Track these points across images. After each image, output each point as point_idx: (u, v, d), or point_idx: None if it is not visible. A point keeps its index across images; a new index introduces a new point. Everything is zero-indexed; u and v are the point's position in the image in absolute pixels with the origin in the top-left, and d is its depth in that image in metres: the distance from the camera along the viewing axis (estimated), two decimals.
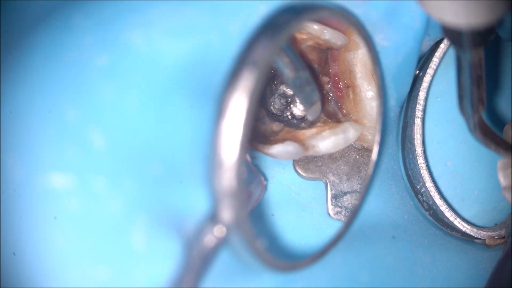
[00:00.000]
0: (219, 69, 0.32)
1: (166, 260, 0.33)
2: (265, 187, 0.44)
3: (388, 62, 0.42)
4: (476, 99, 0.38)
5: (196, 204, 0.33)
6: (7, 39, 0.37)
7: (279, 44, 0.31)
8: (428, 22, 0.41)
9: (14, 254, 0.34)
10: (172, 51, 0.33)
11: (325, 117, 0.44)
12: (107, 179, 0.32)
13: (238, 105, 0.30)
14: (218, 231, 0.31)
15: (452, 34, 0.34)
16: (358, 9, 0.38)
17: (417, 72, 0.49)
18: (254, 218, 0.43)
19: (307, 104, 0.41)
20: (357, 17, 0.38)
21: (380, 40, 0.40)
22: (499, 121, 0.52)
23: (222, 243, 0.32)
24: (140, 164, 0.32)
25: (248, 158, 0.42)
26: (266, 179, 0.44)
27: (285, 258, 0.36)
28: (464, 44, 0.34)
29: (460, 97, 0.39)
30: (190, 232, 0.32)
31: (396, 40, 0.41)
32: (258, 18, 0.33)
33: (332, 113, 0.44)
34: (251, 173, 0.42)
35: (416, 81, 0.50)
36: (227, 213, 0.31)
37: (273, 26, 0.31)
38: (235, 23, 0.33)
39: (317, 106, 0.42)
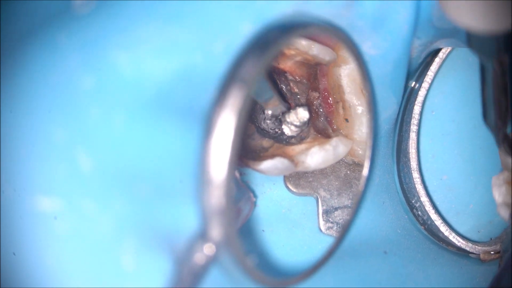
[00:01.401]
0: (204, 88, 0.32)
1: (156, 279, 0.33)
2: (254, 204, 0.44)
3: (378, 70, 0.42)
4: (504, 109, 0.37)
5: (186, 222, 0.33)
6: None
7: (268, 62, 0.31)
8: (416, 25, 0.41)
9: (14, 254, 0.34)
10: (157, 70, 0.33)
11: (315, 133, 0.44)
12: (96, 200, 0.32)
13: (227, 123, 0.30)
14: (208, 249, 0.32)
15: (478, 41, 0.34)
16: (343, 20, 0.38)
17: (413, 83, 0.50)
18: (245, 234, 0.43)
19: (261, 99, 0.41)
20: (346, 32, 0.39)
21: (367, 48, 0.41)
22: None
23: (212, 261, 0.32)
24: (129, 184, 0.33)
25: (237, 174, 0.43)
26: (255, 195, 0.45)
27: (275, 275, 0.36)
28: (491, 50, 0.34)
29: (485, 109, 0.39)
30: (180, 250, 0.32)
31: (384, 48, 0.41)
32: (243, 37, 0.33)
33: (322, 129, 0.44)
34: (240, 189, 0.42)
35: (411, 95, 0.50)
36: (216, 231, 0.31)
37: (261, 44, 0.31)
38: (219, 43, 0.33)
39: (274, 101, 0.42)
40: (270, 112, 0.43)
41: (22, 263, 0.34)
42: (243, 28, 0.34)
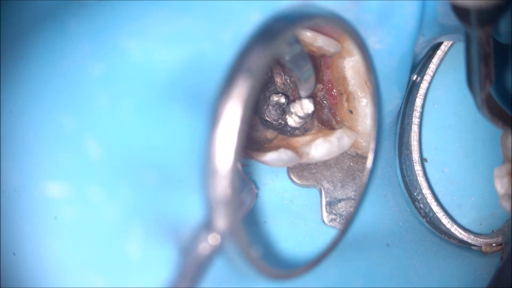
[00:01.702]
0: (212, 76, 0.32)
1: (161, 268, 0.33)
2: (256, 195, 0.44)
3: (382, 65, 0.42)
4: (483, 76, 0.39)
5: (191, 211, 0.33)
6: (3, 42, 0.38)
7: (274, 52, 0.31)
8: (422, 22, 0.42)
9: (14, 254, 0.34)
10: (166, 58, 0.33)
11: (319, 125, 0.44)
12: (103, 187, 0.32)
13: (232, 113, 0.30)
14: (213, 239, 0.32)
15: (461, 13, 0.35)
16: (350, 13, 0.39)
17: (415, 77, 0.50)
18: (247, 226, 0.43)
19: (301, 78, 0.41)
20: (352, 24, 0.39)
21: (373, 43, 0.41)
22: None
23: (216, 251, 0.32)
24: (136, 172, 0.33)
25: (239, 166, 0.43)
26: (257, 187, 0.44)
27: (279, 266, 0.36)
28: (472, 22, 0.36)
29: (468, 74, 0.40)
30: (185, 240, 0.32)
31: (390, 42, 0.41)
32: (251, 26, 0.33)
33: (326, 120, 0.44)
34: (242, 181, 0.42)
35: (413, 88, 0.50)
36: (221, 221, 0.31)
37: (267, 34, 0.31)
38: (228, 31, 0.33)
39: (311, 81, 0.42)
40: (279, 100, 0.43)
41: (22, 263, 0.34)
42: (252, 17, 0.34)
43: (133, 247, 0.33)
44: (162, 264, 0.33)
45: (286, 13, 0.34)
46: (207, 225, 0.32)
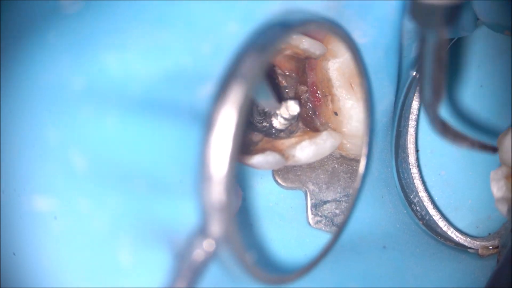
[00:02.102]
0: (193, 88, 0.32)
1: (154, 276, 0.33)
2: (241, 198, 0.44)
3: (369, 58, 0.42)
4: (439, 85, 0.37)
5: (186, 217, 0.33)
6: None
7: (268, 57, 0.31)
8: (404, 10, 0.41)
9: (14, 254, 0.34)
10: (146, 72, 0.33)
11: (303, 127, 0.44)
12: (91, 198, 0.32)
13: (228, 119, 0.30)
14: (207, 245, 0.32)
15: (421, 11, 0.34)
16: (332, 11, 0.38)
17: (415, 73, 0.49)
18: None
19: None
20: (345, 29, 0.39)
21: (357, 37, 0.41)
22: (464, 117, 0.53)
23: (211, 257, 0.32)
24: (124, 181, 0.33)
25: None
26: (242, 189, 0.44)
27: (266, 269, 0.36)
28: (433, 22, 0.34)
29: (421, 86, 0.38)
30: (180, 246, 0.32)
31: (373, 35, 0.41)
32: (230, 38, 0.33)
33: (311, 122, 0.44)
34: None
35: (409, 91, 0.50)
36: (216, 227, 0.31)
37: (261, 40, 0.31)
38: (207, 43, 0.34)
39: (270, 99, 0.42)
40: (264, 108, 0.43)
41: (22, 263, 0.34)
42: (230, 28, 0.34)
43: (125, 255, 0.33)
44: (156, 271, 0.33)
45: (280, 19, 0.34)
46: (202, 231, 0.32)
